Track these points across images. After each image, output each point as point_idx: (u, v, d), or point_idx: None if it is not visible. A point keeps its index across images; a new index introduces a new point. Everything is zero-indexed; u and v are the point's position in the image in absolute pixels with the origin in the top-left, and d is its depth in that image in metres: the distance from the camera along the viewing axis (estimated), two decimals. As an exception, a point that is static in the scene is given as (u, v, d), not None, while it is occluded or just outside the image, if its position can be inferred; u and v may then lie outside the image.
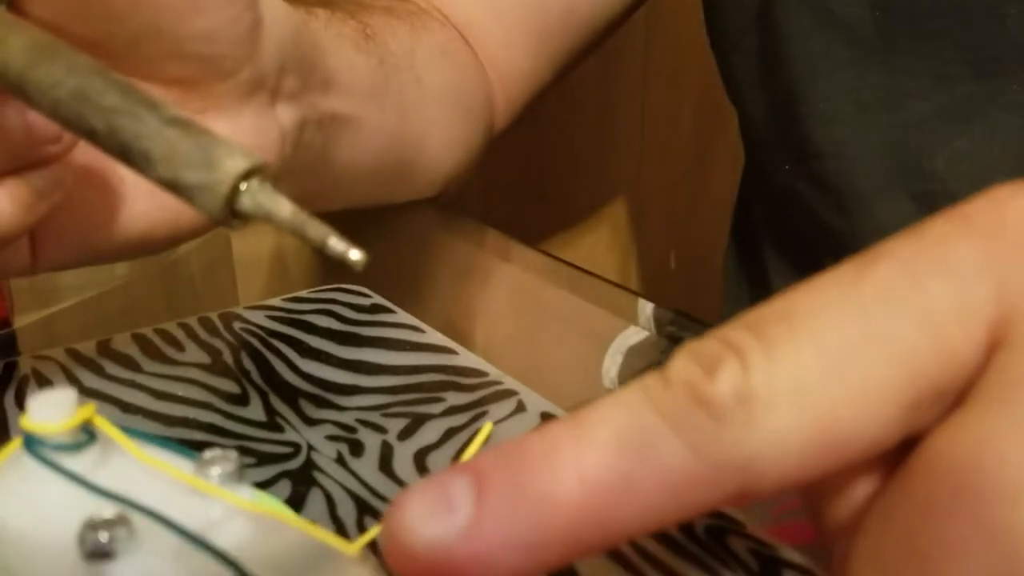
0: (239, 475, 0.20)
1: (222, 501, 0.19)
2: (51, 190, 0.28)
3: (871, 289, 0.17)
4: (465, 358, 0.35)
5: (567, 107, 0.70)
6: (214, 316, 0.39)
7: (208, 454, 0.20)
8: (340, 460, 0.29)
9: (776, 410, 0.16)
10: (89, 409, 0.21)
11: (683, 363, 0.17)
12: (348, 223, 0.55)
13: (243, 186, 0.22)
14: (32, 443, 0.20)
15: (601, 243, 0.74)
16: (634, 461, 0.17)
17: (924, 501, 0.17)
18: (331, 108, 0.38)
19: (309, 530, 0.19)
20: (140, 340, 0.38)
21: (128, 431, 0.21)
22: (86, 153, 0.31)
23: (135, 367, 0.35)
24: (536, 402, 0.32)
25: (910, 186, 0.45)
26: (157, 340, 0.38)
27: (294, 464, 0.29)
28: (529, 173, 0.73)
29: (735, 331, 0.17)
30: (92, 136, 0.23)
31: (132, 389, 0.34)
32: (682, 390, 0.17)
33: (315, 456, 0.30)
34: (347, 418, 0.32)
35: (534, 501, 0.16)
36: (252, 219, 0.22)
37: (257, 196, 0.22)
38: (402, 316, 0.39)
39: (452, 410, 0.32)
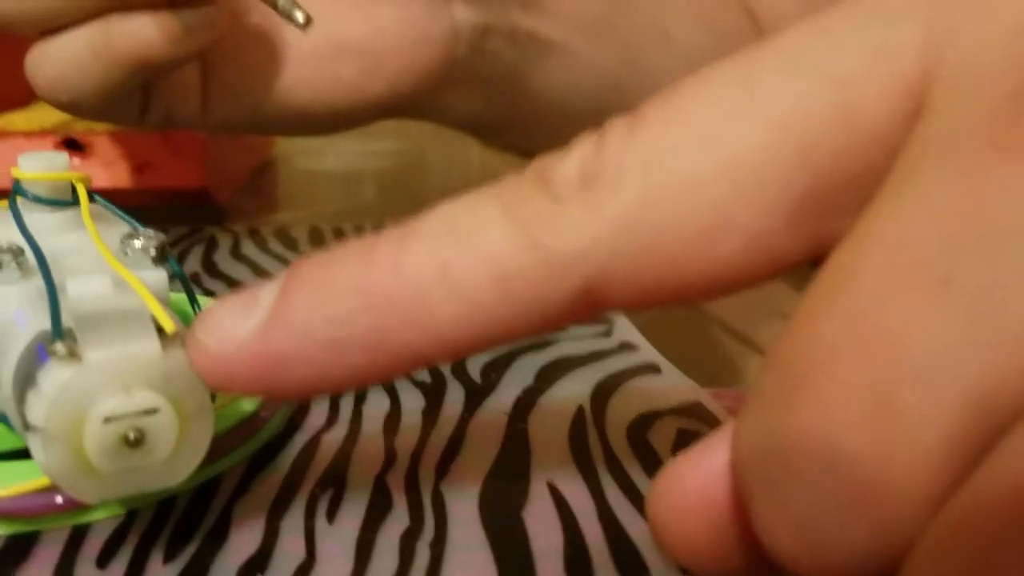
0: (159, 257, 0.20)
1: (104, 262, 0.19)
2: (201, 28, 0.30)
3: (769, 52, 0.13)
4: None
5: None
6: (388, 221, 0.40)
7: (140, 231, 0.20)
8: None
9: (622, 188, 0.13)
10: (78, 176, 0.22)
11: (551, 153, 0.15)
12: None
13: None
14: (16, 187, 0.21)
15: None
16: (455, 248, 0.14)
17: (811, 327, 0.13)
18: (529, 26, 0.37)
19: (152, 305, 0.17)
20: (313, 232, 0.39)
21: (108, 203, 0.22)
22: (259, 15, 0.33)
23: (292, 245, 0.37)
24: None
25: None
26: (328, 232, 0.39)
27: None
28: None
29: (621, 115, 0.15)
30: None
31: (273, 259, 0.35)
32: (529, 175, 0.15)
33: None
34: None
35: (337, 293, 0.15)
36: None
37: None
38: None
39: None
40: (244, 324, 0.15)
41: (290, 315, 0.15)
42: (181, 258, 0.36)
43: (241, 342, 0.15)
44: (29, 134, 0.41)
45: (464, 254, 0.14)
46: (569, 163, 0.14)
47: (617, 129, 0.14)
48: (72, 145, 0.42)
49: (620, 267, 0.14)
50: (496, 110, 0.39)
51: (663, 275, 0.14)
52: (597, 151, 0.14)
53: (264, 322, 0.15)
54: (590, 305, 0.14)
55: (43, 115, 0.42)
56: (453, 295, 0.14)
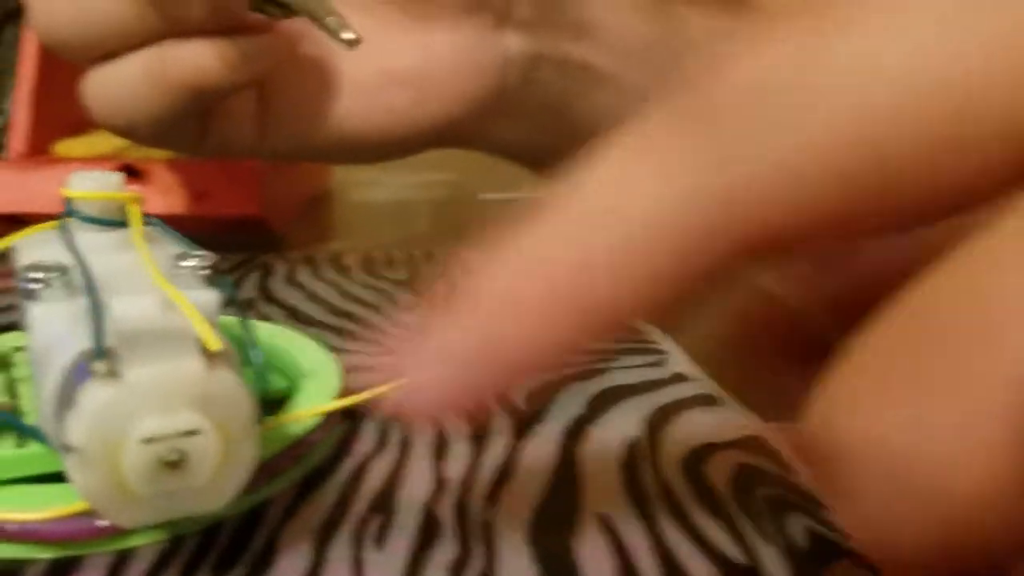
0: (210, 278, 0.20)
1: (152, 282, 0.19)
2: (256, 56, 0.30)
3: None
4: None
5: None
6: (439, 251, 0.40)
7: (192, 252, 0.20)
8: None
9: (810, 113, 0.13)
10: (130, 196, 0.22)
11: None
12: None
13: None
14: (68, 207, 0.21)
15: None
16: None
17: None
18: (581, 56, 0.37)
19: (198, 324, 0.17)
20: (366, 260, 0.39)
21: (161, 224, 0.22)
22: (313, 44, 0.33)
23: (345, 272, 0.37)
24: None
25: None
26: (380, 260, 0.39)
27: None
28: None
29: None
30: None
31: (327, 285, 0.35)
32: (667, 111, 0.15)
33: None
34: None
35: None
36: None
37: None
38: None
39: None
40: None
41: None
42: (237, 284, 0.36)
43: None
44: (86, 160, 0.41)
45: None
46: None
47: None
48: (129, 172, 0.42)
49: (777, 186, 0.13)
50: (545, 139, 0.39)
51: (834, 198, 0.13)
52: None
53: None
54: (760, 242, 0.13)
55: (101, 142, 0.43)
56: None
